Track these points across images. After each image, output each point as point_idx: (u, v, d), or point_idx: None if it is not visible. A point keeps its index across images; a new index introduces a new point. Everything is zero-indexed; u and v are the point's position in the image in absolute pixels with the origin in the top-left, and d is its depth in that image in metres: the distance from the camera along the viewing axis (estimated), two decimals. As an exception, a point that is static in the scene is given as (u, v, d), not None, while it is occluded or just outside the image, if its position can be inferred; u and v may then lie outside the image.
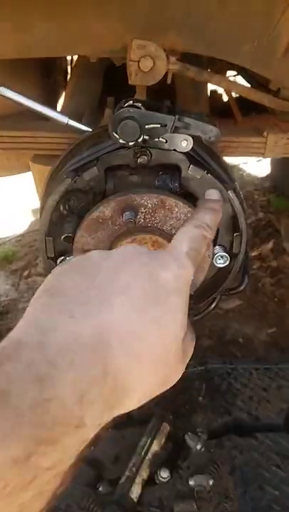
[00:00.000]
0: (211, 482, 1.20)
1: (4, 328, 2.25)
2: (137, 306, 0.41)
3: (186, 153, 0.78)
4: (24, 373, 0.33)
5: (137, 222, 0.78)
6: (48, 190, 0.86)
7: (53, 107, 1.46)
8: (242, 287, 0.92)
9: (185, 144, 0.76)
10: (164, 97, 1.30)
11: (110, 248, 0.81)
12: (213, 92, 1.88)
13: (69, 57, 1.58)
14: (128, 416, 1.38)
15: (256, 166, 3.06)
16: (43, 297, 0.43)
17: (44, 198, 0.87)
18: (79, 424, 0.35)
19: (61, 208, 0.83)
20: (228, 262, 0.89)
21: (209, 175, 0.79)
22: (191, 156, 0.79)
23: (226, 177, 0.82)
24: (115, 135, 0.75)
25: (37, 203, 1.18)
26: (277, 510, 1.12)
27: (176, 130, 0.75)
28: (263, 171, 3.02)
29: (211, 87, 1.86)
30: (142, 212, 0.78)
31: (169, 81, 0.93)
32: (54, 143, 1.01)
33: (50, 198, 0.81)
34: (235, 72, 1.73)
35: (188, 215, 0.79)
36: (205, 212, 0.58)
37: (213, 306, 0.94)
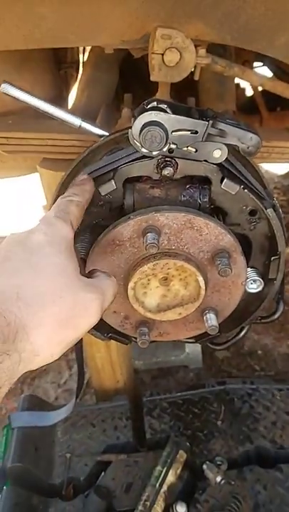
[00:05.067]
0: (232, 521, 1.09)
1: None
2: (13, 266, 0.51)
3: (218, 165, 0.67)
4: None
5: (159, 245, 0.67)
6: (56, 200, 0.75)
7: (64, 101, 1.34)
8: (276, 316, 0.81)
9: (218, 154, 0.65)
10: (185, 92, 1.18)
11: (128, 276, 0.70)
12: (238, 87, 1.75)
13: (81, 48, 1.46)
14: (141, 441, 1.28)
15: (275, 165, 2.92)
16: None
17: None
18: None
19: (72, 224, 0.72)
20: (261, 288, 0.78)
21: (246, 190, 0.67)
22: (224, 168, 0.67)
23: (264, 192, 0.70)
24: (137, 143, 0.64)
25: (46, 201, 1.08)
26: None
27: (208, 138, 0.63)
28: (283, 168, 2.87)
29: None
30: (165, 233, 0.67)
31: (196, 77, 0.82)
32: (64, 146, 0.90)
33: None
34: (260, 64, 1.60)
35: (220, 237, 0.67)
36: (70, 187, 0.67)
37: (241, 335, 0.83)
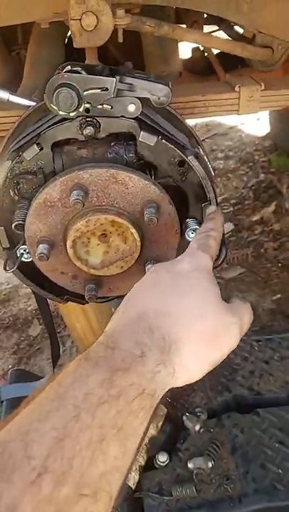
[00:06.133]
0: (210, 464, 1.15)
1: (7, 316, 2.23)
2: (162, 289, 0.56)
3: (136, 119, 0.69)
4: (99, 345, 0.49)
5: (89, 202, 0.71)
6: (-5, 176, 0.79)
7: (17, 84, 1.36)
8: (220, 261, 0.84)
9: (133, 108, 0.67)
10: (134, 59, 1.19)
11: (65, 233, 0.74)
12: (195, 49, 1.74)
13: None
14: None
15: (255, 126, 2.91)
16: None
17: (-8, 184, 0.79)
18: (141, 355, 0.47)
19: (11, 193, 0.76)
20: (201, 235, 0.81)
21: (164, 141, 0.70)
22: (142, 122, 0.70)
23: (185, 141, 0.73)
24: (53, 106, 0.67)
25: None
26: (281, 489, 1.07)
27: (120, 93, 0.66)
28: (263, 130, 2.86)
29: (192, 45, 1.73)
30: (92, 190, 0.70)
31: (120, 39, 0.83)
32: (4, 123, 0.92)
33: (-5, 183, 0.74)
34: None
35: (145, 189, 0.71)
36: (205, 222, 0.71)
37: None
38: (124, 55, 1.37)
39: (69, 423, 0.40)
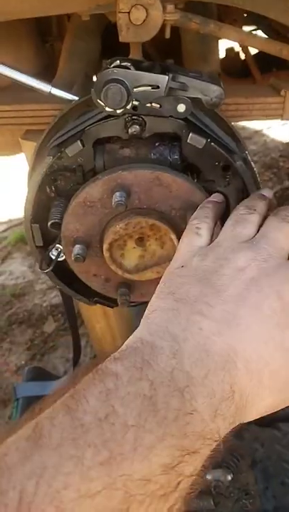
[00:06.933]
0: (229, 477, 1.12)
1: (22, 311, 2.21)
2: (265, 328, 0.43)
3: (185, 120, 0.66)
4: (166, 382, 0.36)
5: (131, 204, 0.68)
6: (32, 170, 0.77)
7: (51, 75, 1.34)
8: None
9: (183, 108, 0.64)
10: (171, 55, 1.16)
11: (102, 236, 0.71)
12: (230, 50, 1.71)
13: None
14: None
15: (281, 131, 2.86)
16: (167, 299, 0.46)
17: (28, 179, 0.77)
18: (215, 437, 0.38)
19: (47, 190, 0.74)
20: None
21: (213, 144, 0.67)
22: (191, 123, 0.67)
23: (233, 146, 0.69)
24: (100, 102, 0.64)
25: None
26: (302, 509, 1.03)
27: (171, 92, 0.63)
28: (288, 135, 2.82)
29: (227, 45, 1.70)
30: (135, 192, 0.67)
31: (167, 35, 0.80)
32: (44, 116, 0.90)
33: (32, 179, 0.71)
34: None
35: (189, 193, 0.67)
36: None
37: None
38: (159, 51, 1.34)
39: None
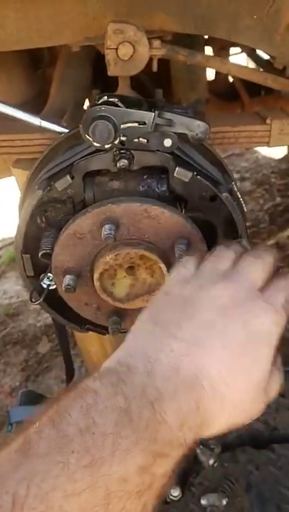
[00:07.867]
0: (224, 501, 1.11)
1: (16, 331, 2.21)
2: (229, 353, 0.47)
3: (171, 153, 0.68)
4: (139, 397, 0.41)
5: (120, 235, 0.69)
6: (23, 201, 0.78)
7: (43, 102, 1.36)
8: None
9: (169, 143, 0.66)
10: (162, 85, 1.19)
11: (92, 266, 0.72)
12: (218, 73, 1.74)
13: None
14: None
15: (272, 148, 2.90)
16: (147, 323, 0.50)
17: (19, 209, 0.78)
18: (182, 444, 0.43)
19: (38, 220, 0.75)
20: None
21: (199, 177, 0.68)
22: (177, 156, 0.68)
23: (219, 177, 0.71)
24: (88, 137, 0.66)
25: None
26: (298, 534, 1.03)
27: (157, 128, 0.65)
28: (280, 152, 2.86)
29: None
30: (124, 224, 0.69)
31: (154, 69, 0.82)
32: (34, 145, 0.92)
33: (23, 211, 0.72)
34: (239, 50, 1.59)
35: (177, 224, 0.69)
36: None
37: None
38: (151, 80, 1.37)
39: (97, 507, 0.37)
